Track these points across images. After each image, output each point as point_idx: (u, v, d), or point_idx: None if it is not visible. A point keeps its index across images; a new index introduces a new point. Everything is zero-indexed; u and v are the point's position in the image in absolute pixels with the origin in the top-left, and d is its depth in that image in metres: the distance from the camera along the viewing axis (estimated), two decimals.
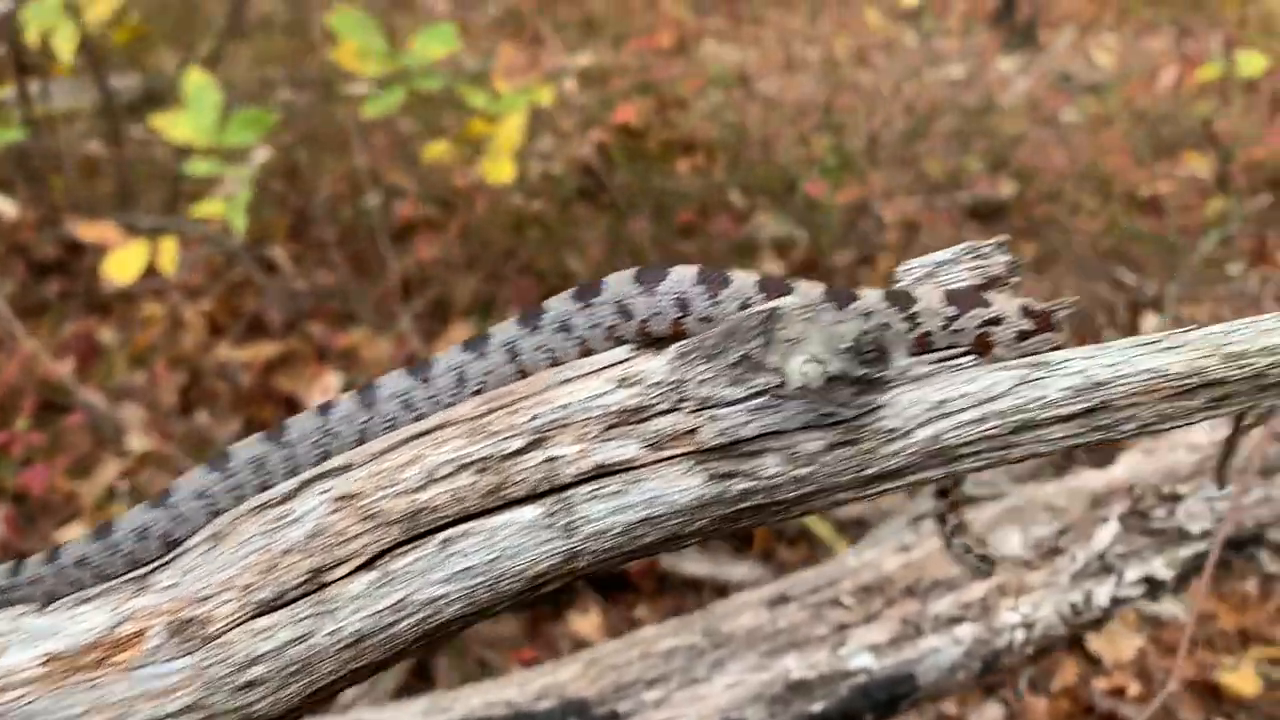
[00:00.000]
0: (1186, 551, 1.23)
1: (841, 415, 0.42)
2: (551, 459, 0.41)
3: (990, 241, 0.72)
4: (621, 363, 0.65)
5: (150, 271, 3.10)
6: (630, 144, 4.98)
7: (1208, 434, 1.35)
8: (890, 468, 0.45)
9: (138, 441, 3.21)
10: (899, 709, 1.07)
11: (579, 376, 0.62)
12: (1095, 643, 2.51)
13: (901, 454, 0.45)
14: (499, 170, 3.19)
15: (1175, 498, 1.26)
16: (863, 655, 1.05)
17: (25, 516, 2.82)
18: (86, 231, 3.11)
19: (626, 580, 2.63)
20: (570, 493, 0.42)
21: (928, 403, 0.45)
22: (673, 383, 0.44)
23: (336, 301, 3.83)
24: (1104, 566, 1.19)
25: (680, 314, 0.67)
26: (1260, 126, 4.89)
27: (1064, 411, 0.47)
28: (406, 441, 0.70)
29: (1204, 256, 4.01)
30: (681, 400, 0.44)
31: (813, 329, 0.46)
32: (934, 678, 1.08)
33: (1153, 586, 1.22)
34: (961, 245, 0.71)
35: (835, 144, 4.86)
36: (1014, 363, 0.48)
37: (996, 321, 0.61)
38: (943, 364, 0.56)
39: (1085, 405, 0.46)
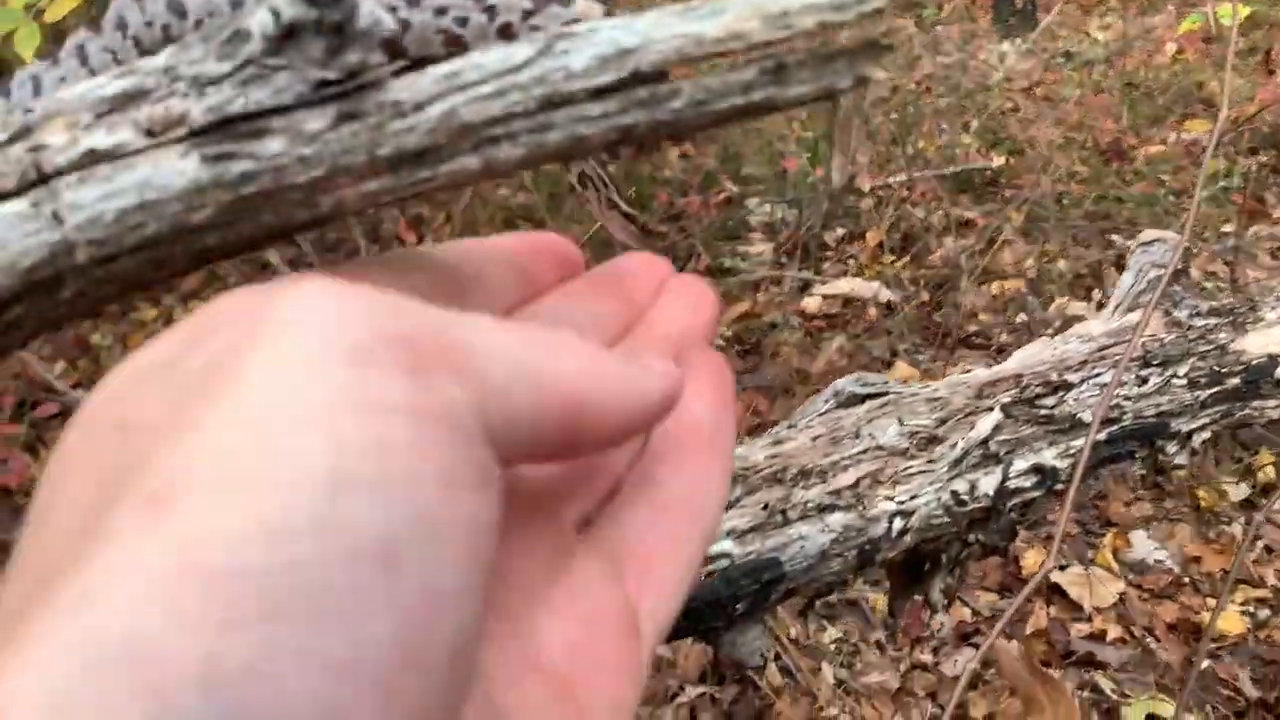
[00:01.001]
0: (1079, 441, 1.19)
1: (328, 77, 0.40)
2: (38, 147, 0.39)
3: None
4: None
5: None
6: None
7: (1101, 325, 1.31)
8: (409, 147, 0.42)
9: None
10: (770, 597, 1.04)
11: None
12: (1073, 589, 2.46)
13: (417, 131, 0.42)
14: None
15: (1066, 386, 1.22)
16: (723, 541, 1.03)
17: (11, 510, 2.86)
18: None
19: None
20: (57, 181, 0.40)
21: (437, 74, 0.42)
22: (167, 67, 0.42)
23: None
24: (988, 455, 1.15)
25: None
26: (1254, 88, 4.81)
27: (594, 84, 0.43)
28: None
29: (1198, 215, 3.93)
30: (175, 82, 0.41)
31: None
32: (803, 564, 1.05)
33: (1044, 476, 1.18)
34: None
35: (821, 125, 4.84)
36: (539, 35, 0.44)
37: (576, 23, 0.57)
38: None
39: (615, 76, 0.43)
